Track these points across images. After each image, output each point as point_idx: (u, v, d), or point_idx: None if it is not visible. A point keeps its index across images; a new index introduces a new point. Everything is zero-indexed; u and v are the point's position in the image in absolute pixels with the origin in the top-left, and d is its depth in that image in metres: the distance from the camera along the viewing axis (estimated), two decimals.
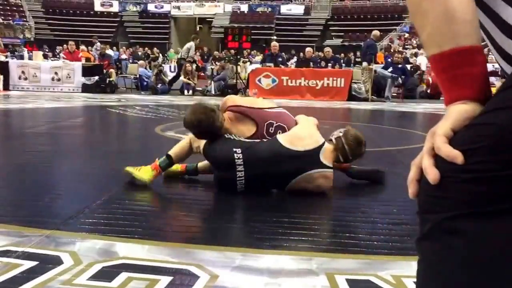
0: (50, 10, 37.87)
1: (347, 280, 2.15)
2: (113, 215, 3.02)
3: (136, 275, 2.13)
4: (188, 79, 15.32)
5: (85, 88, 14.36)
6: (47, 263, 2.21)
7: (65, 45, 16.71)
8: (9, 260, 2.22)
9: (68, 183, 3.92)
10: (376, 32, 15.09)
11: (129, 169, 3.72)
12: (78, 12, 38.12)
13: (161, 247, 2.49)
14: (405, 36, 30.44)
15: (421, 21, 0.86)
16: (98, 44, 17.84)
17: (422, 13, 0.86)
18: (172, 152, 3.79)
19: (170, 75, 16.68)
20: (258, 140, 3.65)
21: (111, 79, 15.28)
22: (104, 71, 15.23)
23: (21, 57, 16.80)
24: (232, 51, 17.15)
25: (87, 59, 15.29)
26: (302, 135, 3.53)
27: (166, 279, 2.09)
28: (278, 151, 3.46)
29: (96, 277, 2.10)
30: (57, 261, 2.23)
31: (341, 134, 3.61)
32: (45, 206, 3.19)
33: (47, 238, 2.53)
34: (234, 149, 3.49)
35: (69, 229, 2.70)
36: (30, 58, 15.81)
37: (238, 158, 3.47)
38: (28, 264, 2.18)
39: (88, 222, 2.84)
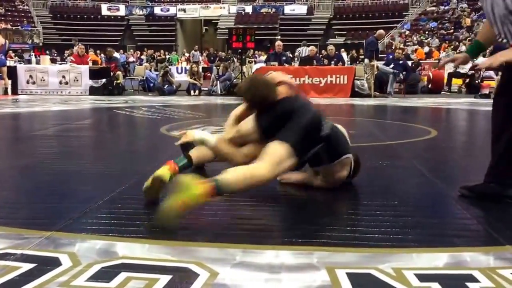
0: (58, 15, 38.10)
1: (348, 274, 2.12)
2: (115, 215, 3.00)
3: (135, 274, 2.11)
4: (195, 79, 15.37)
5: (93, 91, 14.43)
6: (46, 265, 2.19)
7: (74, 48, 16.47)
8: (7, 263, 2.20)
9: (71, 184, 3.90)
10: (381, 31, 15.29)
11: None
12: (85, 16, 38.36)
13: (161, 246, 2.46)
14: (406, 34, 30.67)
15: None
16: (80, 44, 17.00)
17: None
18: (192, 153, 3.56)
19: (177, 76, 16.70)
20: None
21: (118, 81, 15.33)
22: (111, 73, 15.28)
23: (29, 62, 16.87)
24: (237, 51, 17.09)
25: (94, 62, 15.34)
26: None
27: (165, 278, 2.07)
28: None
29: (94, 277, 2.08)
30: (56, 263, 2.21)
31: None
32: (47, 208, 3.17)
33: (46, 239, 2.52)
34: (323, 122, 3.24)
35: (70, 230, 2.68)
36: (37, 63, 15.84)
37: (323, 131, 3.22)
38: (26, 266, 2.17)
39: (89, 222, 2.82)
